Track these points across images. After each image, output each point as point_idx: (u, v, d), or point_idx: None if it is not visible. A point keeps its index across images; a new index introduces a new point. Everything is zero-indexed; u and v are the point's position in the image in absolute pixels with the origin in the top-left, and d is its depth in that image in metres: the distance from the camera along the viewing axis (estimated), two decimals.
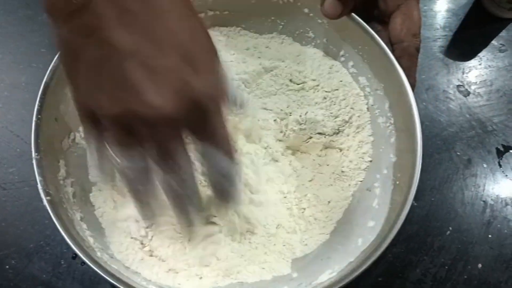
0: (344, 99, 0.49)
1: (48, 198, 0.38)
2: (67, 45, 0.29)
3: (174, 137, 0.29)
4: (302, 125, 0.48)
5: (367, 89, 0.48)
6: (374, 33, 0.45)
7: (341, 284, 0.35)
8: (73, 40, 0.28)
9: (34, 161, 0.39)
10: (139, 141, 0.29)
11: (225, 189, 0.34)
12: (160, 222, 0.42)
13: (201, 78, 0.28)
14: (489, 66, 0.60)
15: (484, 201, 0.52)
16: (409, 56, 0.44)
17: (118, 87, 0.27)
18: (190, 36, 0.29)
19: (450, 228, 0.50)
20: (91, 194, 0.44)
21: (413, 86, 0.43)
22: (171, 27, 0.28)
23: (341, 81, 0.50)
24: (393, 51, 0.44)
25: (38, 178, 0.38)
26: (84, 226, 0.41)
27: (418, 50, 0.44)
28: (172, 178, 0.31)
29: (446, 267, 0.48)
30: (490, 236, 0.50)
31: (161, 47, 0.27)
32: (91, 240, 0.40)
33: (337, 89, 0.50)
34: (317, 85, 0.50)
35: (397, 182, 0.42)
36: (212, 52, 0.31)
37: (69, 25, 0.28)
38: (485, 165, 0.54)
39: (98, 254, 0.39)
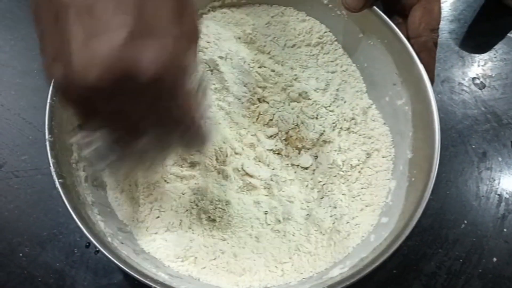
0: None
1: (60, 181, 0.37)
2: (34, 9, 0.25)
3: (116, 112, 0.25)
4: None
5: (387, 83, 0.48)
6: (395, 27, 0.44)
7: (353, 280, 0.35)
8: (36, 4, 0.25)
9: (47, 143, 0.38)
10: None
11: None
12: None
13: (152, 51, 0.23)
14: (505, 59, 0.60)
15: (499, 194, 0.51)
16: (428, 51, 0.43)
17: (61, 51, 0.23)
18: None
19: (465, 222, 0.50)
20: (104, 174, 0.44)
21: (432, 82, 0.42)
22: None
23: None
24: (411, 46, 0.43)
25: (51, 160, 0.38)
26: (96, 210, 0.41)
27: (436, 45, 0.44)
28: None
29: (461, 260, 0.48)
30: (505, 230, 0.49)
31: (112, 3, 0.22)
32: (101, 224, 0.39)
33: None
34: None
35: (413, 179, 0.41)
36: (183, 23, 0.24)
37: None
38: (500, 159, 0.53)
39: (109, 239, 0.38)
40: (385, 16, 0.44)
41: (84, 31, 0.22)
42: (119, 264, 0.35)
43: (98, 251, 0.46)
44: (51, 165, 0.37)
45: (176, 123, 0.28)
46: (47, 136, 0.38)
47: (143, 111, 0.25)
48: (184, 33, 0.24)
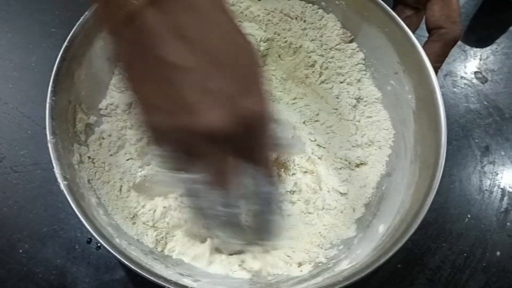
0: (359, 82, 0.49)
1: (65, 183, 0.36)
2: (126, 59, 0.29)
3: (224, 155, 0.30)
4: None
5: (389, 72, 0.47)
6: (396, 15, 0.43)
7: (361, 275, 0.35)
8: (129, 54, 0.28)
9: (49, 145, 0.37)
10: (193, 159, 0.30)
11: (264, 220, 0.36)
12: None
13: (250, 98, 0.28)
14: (507, 53, 0.60)
15: (502, 188, 0.51)
16: (444, 43, 0.42)
17: (174, 105, 0.27)
18: (239, 53, 0.29)
19: (469, 216, 0.50)
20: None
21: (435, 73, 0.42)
22: (222, 44, 0.28)
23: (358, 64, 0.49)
24: (428, 37, 0.42)
25: (54, 162, 0.37)
26: (101, 211, 0.40)
27: (456, 40, 0.43)
28: (219, 196, 0.32)
29: (465, 254, 0.48)
30: (508, 224, 0.49)
31: (214, 66, 0.27)
32: (110, 229, 0.38)
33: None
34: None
35: (417, 171, 0.41)
36: (258, 69, 0.30)
37: (122, 38, 0.27)
38: (503, 153, 0.53)
39: (117, 240, 0.38)
40: (385, 5, 0.44)
41: (200, 89, 0.27)
42: (128, 264, 0.34)
43: (100, 246, 0.45)
44: (55, 167, 0.36)
45: (262, 162, 0.33)
46: (49, 138, 0.37)
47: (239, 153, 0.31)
48: (263, 83, 0.30)
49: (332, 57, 0.49)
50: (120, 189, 0.42)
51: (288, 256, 0.41)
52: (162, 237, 0.41)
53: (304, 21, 0.50)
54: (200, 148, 0.29)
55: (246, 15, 0.50)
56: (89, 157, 0.42)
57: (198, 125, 0.27)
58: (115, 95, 0.45)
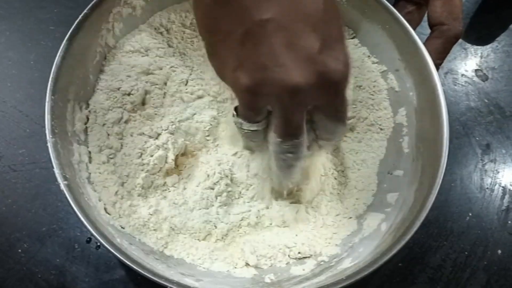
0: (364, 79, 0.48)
1: (65, 182, 0.36)
2: (208, 17, 0.30)
3: (300, 110, 0.31)
4: None
5: (388, 68, 0.47)
6: (396, 11, 0.43)
7: (364, 274, 0.35)
8: (212, 8, 0.29)
9: (49, 144, 0.37)
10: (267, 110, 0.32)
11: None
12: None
13: (334, 57, 0.29)
14: (507, 51, 0.59)
15: (503, 187, 0.51)
16: (446, 39, 0.42)
17: (259, 59, 0.28)
18: (327, 12, 0.29)
19: (470, 214, 0.49)
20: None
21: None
22: (310, 3, 0.28)
23: (362, 60, 0.49)
24: (430, 33, 0.42)
25: (54, 162, 0.36)
26: (101, 211, 0.39)
27: (457, 37, 0.43)
28: (286, 146, 0.34)
29: (466, 252, 0.48)
30: (509, 222, 0.49)
31: (299, 20, 0.28)
32: (109, 228, 0.38)
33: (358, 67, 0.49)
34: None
35: (419, 167, 0.41)
36: (342, 29, 0.31)
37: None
38: (504, 151, 0.53)
39: (118, 240, 0.37)
40: (385, 1, 0.44)
41: (282, 45, 0.28)
42: (129, 263, 0.33)
43: (100, 246, 0.45)
44: (55, 166, 0.36)
45: (342, 113, 0.33)
46: (48, 137, 0.37)
47: (318, 105, 0.32)
48: (345, 42, 0.31)
49: None
50: (121, 188, 0.42)
51: (288, 247, 0.41)
52: (163, 237, 0.40)
53: None
54: (282, 99, 0.29)
55: None
56: (89, 156, 0.42)
57: (281, 80, 0.28)
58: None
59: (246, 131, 0.35)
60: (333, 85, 0.29)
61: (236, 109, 0.34)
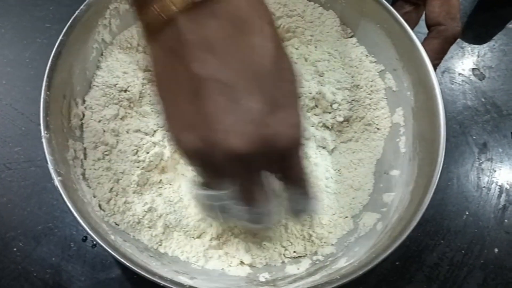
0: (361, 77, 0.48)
1: (59, 178, 0.36)
2: (158, 69, 0.28)
3: (249, 175, 0.29)
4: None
5: (386, 67, 0.47)
6: (394, 11, 0.43)
7: (358, 273, 0.34)
8: (161, 64, 0.27)
9: (43, 140, 0.36)
10: (219, 176, 0.29)
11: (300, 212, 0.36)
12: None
13: (283, 119, 0.26)
14: (504, 49, 0.60)
15: (500, 185, 0.51)
16: (443, 40, 0.42)
17: (199, 122, 0.26)
18: (278, 70, 0.27)
19: (467, 213, 0.49)
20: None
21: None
22: (257, 58, 0.26)
23: (360, 59, 0.49)
24: (428, 33, 0.42)
25: (48, 158, 0.36)
26: (96, 207, 0.39)
27: (455, 37, 0.43)
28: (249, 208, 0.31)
29: (463, 251, 0.48)
30: (506, 221, 0.49)
31: (245, 81, 0.25)
32: (104, 225, 0.38)
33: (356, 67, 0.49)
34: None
35: (420, 165, 0.41)
36: (296, 93, 0.28)
37: (157, 46, 0.26)
38: (500, 150, 0.53)
39: (112, 237, 0.37)
40: (384, 0, 0.43)
41: (227, 106, 0.25)
42: (124, 261, 0.33)
43: (95, 244, 0.45)
44: (49, 162, 0.36)
45: (297, 182, 0.32)
46: (43, 133, 0.37)
47: (269, 172, 0.30)
48: (299, 101, 0.28)
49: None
50: (116, 185, 0.42)
51: (284, 247, 0.41)
52: (158, 234, 0.40)
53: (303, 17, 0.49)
54: (226, 167, 0.27)
55: None
56: (84, 153, 0.41)
57: (221, 145, 0.26)
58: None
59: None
60: (282, 151, 0.27)
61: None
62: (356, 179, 0.45)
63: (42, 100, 0.38)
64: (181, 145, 0.28)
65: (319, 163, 0.45)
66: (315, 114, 0.47)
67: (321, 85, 0.47)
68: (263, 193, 0.30)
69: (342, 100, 0.47)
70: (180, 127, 0.27)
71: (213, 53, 0.25)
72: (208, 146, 0.26)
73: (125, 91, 0.43)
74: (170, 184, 0.42)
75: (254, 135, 0.25)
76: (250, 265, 0.40)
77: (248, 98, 0.25)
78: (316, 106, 0.47)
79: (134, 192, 0.42)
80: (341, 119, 0.46)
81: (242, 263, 0.40)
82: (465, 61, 0.58)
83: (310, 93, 0.46)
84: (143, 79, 0.44)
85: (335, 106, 0.46)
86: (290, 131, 0.27)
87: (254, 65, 0.26)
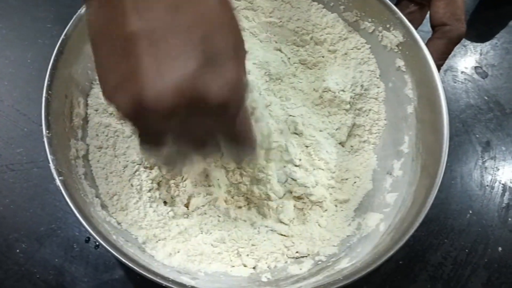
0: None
1: (61, 178, 0.35)
2: (93, 29, 0.27)
3: (185, 132, 0.28)
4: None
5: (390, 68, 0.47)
6: (397, 10, 0.43)
7: (361, 274, 0.34)
8: (96, 22, 0.26)
9: (45, 139, 0.36)
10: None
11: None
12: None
13: (217, 76, 0.25)
14: (507, 48, 0.59)
15: (503, 184, 0.51)
16: (448, 40, 0.42)
17: (125, 76, 0.25)
18: (219, 28, 0.25)
19: (470, 212, 0.49)
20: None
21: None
22: (198, 13, 0.25)
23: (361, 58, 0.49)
24: (432, 34, 0.42)
25: (50, 157, 0.36)
26: (98, 207, 0.39)
27: (460, 38, 0.42)
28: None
29: (467, 250, 0.47)
30: (510, 219, 0.49)
31: (182, 33, 0.24)
32: (105, 225, 0.38)
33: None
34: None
35: (423, 166, 0.41)
36: (237, 48, 0.27)
37: (92, 4, 0.26)
38: (503, 148, 0.53)
39: (114, 237, 0.37)
40: (387, 0, 0.43)
41: (155, 61, 0.24)
42: (126, 261, 0.33)
43: (98, 245, 0.45)
44: (51, 162, 0.35)
45: (236, 136, 0.31)
46: (44, 132, 0.36)
47: (206, 128, 0.28)
48: (241, 59, 0.27)
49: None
50: (119, 185, 0.42)
51: (286, 247, 0.41)
52: (157, 234, 0.40)
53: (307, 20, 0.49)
54: (158, 124, 0.26)
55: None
56: (86, 152, 0.41)
57: (149, 103, 0.24)
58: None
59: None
60: (214, 107, 0.25)
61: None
62: (358, 179, 0.45)
63: (43, 100, 0.37)
64: (115, 106, 0.26)
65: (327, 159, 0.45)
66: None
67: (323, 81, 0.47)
68: (202, 143, 0.30)
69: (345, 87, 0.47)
70: (112, 87, 0.26)
71: (148, 6, 0.24)
72: (138, 104, 0.25)
73: None
74: (174, 180, 0.42)
75: (183, 91, 0.24)
76: (252, 266, 0.40)
77: (181, 52, 0.24)
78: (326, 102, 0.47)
79: (137, 192, 0.41)
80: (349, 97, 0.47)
81: (244, 263, 0.40)
82: (468, 59, 0.58)
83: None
84: None
85: (340, 93, 0.47)
86: (223, 87, 0.25)
87: (193, 17, 0.24)
